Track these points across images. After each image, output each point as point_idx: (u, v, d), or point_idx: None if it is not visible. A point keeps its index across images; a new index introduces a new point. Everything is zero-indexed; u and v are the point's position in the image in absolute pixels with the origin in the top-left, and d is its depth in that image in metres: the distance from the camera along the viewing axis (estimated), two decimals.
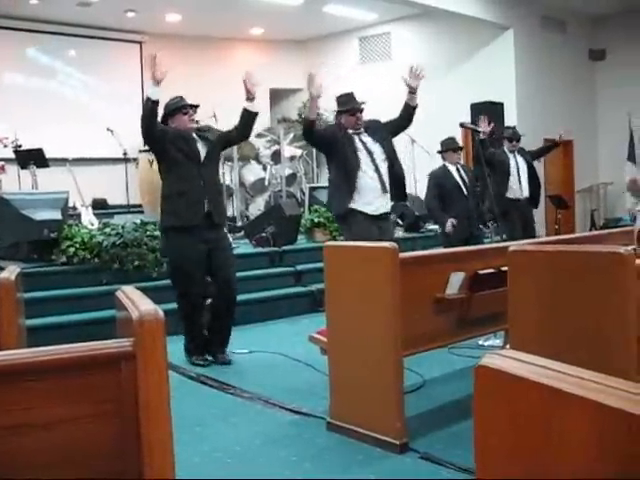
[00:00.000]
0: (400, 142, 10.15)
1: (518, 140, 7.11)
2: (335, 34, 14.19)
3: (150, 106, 4.71)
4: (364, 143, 5.07)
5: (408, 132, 9.76)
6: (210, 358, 4.92)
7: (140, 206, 8.57)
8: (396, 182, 5.22)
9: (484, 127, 6.47)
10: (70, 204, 7.15)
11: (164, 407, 1.40)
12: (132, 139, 10.86)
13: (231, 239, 7.68)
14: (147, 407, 1.39)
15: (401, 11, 12.51)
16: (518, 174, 6.96)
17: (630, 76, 12.74)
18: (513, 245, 2.95)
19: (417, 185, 10.05)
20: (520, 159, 7.07)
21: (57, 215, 6.03)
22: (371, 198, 5.00)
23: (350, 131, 5.07)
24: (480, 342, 4.91)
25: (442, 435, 3.33)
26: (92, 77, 12.57)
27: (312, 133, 4.98)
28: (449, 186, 6.30)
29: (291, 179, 10.54)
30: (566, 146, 13.08)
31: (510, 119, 11.49)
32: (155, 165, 6.56)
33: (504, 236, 6.26)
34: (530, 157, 7.29)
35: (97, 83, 12.59)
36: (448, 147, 6.43)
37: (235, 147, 9.17)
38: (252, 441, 3.38)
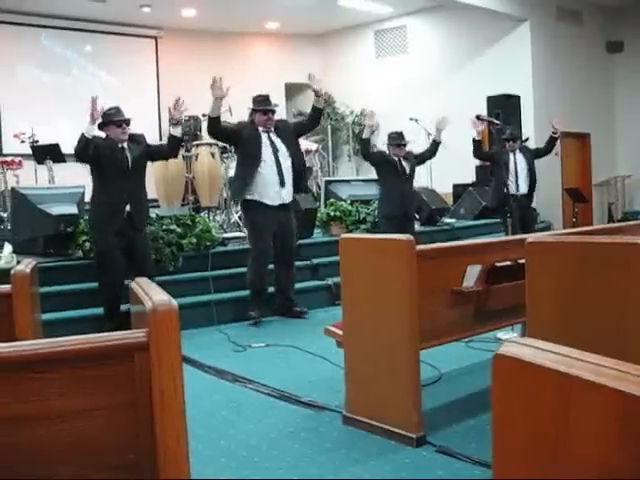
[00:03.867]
0: (417, 135, 10.17)
1: (515, 140, 7.53)
2: (350, 28, 14.15)
3: (84, 143, 5.16)
4: (272, 141, 5.84)
5: (424, 126, 9.78)
6: None
7: (156, 200, 8.59)
8: (295, 175, 6.00)
9: (478, 127, 7.15)
10: (87, 199, 7.18)
11: (178, 397, 1.39)
12: (147, 134, 10.90)
13: (245, 233, 7.70)
14: (161, 397, 1.38)
15: (416, 4, 12.46)
16: (516, 172, 7.41)
17: None
18: (531, 237, 2.91)
19: (433, 178, 10.00)
20: (520, 157, 7.49)
21: (73, 209, 6.05)
22: (269, 190, 5.79)
23: (260, 128, 5.82)
24: (498, 335, 4.88)
25: (459, 429, 3.30)
26: (108, 72, 12.63)
27: (216, 129, 5.73)
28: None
29: (307, 173, 10.51)
30: (583, 139, 12.96)
31: (527, 112, 11.41)
32: (171, 160, 6.67)
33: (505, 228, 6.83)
34: (533, 155, 7.73)
35: (113, 78, 12.65)
36: (392, 142, 7.12)
37: None
38: (267, 434, 3.37)
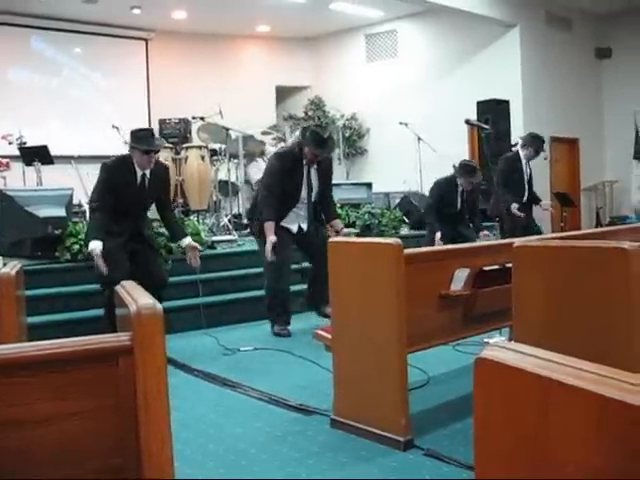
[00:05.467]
0: (406, 139, 10.19)
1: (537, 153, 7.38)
2: (341, 31, 14.18)
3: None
4: (310, 178, 5.52)
5: (414, 130, 9.81)
6: None
7: None
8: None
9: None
10: (76, 201, 7.16)
11: (162, 401, 1.39)
12: None
13: (237, 236, 7.70)
14: (145, 401, 1.37)
15: (407, 8, 12.49)
16: (528, 180, 7.40)
17: (636, 74, 12.71)
18: (518, 241, 2.92)
19: (423, 182, 10.02)
20: (526, 165, 7.44)
21: (61, 212, 6.02)
22: (294, 225, 5.57)
23: (304, 161, 5.45)
24: (485, 339, 4.89)
25: (447, 432, 3.31)
26: (98, 74, 12.59)
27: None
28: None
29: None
30: (572, 144, 13.04)
31: (516, 117, 11.46)
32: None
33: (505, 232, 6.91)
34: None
35: (103, 80, 12.62)
36: (463, 174, 6.82)
37: (241, 145, 9.15)
38: (255, 438, 3.37)
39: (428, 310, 3.33)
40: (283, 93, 14.92)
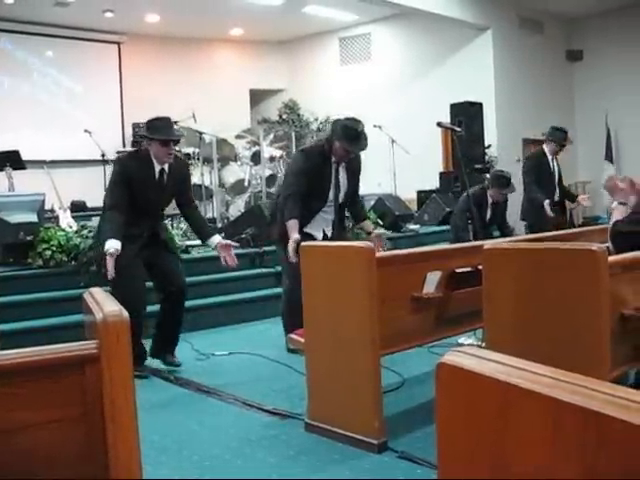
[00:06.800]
0: (380, 142, 10.22)
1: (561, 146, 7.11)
2: (315, 35, 14.21)
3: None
4: (338, 178, 4.81)
5: (388, 132, 9.85)
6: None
7: None
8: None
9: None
10: (48, 207, 7.09)
11: (130, 409, 1.38)
12: (110, 141, 10.82)
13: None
14: (112, 409, 1.37)
15: (381, 12, 12.55)
16: (558, 178, 7.13)
17: (607, 77, 12.88)
18: (488, 243, 2.95)
19: (397, 184, 10.08)
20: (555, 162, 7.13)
21: (33, 218, 5.96)
22: (319, 232, 4.86)
23: (333, 159, 4.74)
24: (460, 340, 4.92)
25: (421, 434, 3.32)
26: (70, 78, 12.48)
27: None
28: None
29: (271, 180, 10.52)
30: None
31: (489, 119, 11.56)
32: None
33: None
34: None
35: (75, 84, 12.51)
36: (496, 185, 6.62)
37: (214, 148, 9.13)
38: (229, 443, 3.35)
39: (401, 312, 3.34)
40: (257, 96, 14.91)
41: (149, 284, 4.68)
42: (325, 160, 4.72)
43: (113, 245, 4.15)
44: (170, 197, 4.72)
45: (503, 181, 6.53)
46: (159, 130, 4.41)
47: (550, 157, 7.01)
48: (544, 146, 7.10)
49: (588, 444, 0.77)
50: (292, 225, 4.55)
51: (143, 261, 4.50)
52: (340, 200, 4.84)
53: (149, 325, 4.71)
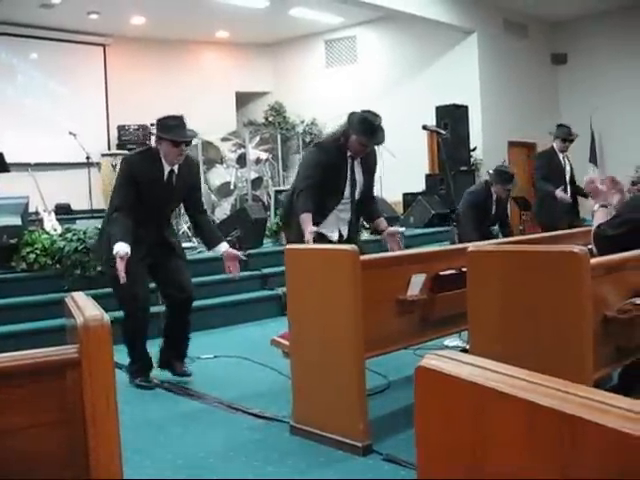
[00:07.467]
0: None
1: (571, 141, 7.17)
2: (301, 37, 14.22)
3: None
4: (354, 174, 4.54)
5: None
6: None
7: (103, 211, 8.47)
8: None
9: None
10: (32, 209, 7.05)
11: (111, 414, 1.37)
12: (94, 143, 10.77)
13: (196, 243, 7.65)
14: (93, 414, 1.36)
15: (366, 15, 12.58)
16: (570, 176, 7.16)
17: (591, 80, 12.98)
18: (472, 245, 2.96)
19: (382, 187, 10.09)
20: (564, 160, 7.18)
21: (17, 221, 5.92)
22: (334, 233, 4.58)
23: (349, 153, 4.48)
24: (445, 343, 4.93)
25: (406, 437, 3.32)
26: (54, 80, 12.41)
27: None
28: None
29: (257, 183, 10.52)
30: (529, 148, 13.25)
31: (474, 122, 11.61)
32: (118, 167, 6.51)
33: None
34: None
35: (59, 86, 12.44)
36: (499, 181, 6.45)
37: (200, 151, 9.10)
38: (215, 447, 3.35)
39: (386, 315, 3.35)
40: (243, 99, 14.90)
41: (150, 285, 4.58)
42: (341, 155, 4.46)
43: (123, 248, 4.00)
44: (179, 199, 4.55)
45: (506, 176, 6.46)
46: (171, 129, 4.22)
47: (561, 155, 7.09)
48: (554, 144, 7.17)
49: (562, 446, 0.78)
50: (305, 218, 4.22)
51: (149, 265, 4.37)
52: (356, 197, 4.58)
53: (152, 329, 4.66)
